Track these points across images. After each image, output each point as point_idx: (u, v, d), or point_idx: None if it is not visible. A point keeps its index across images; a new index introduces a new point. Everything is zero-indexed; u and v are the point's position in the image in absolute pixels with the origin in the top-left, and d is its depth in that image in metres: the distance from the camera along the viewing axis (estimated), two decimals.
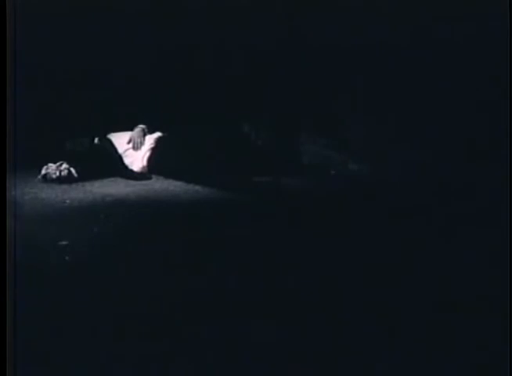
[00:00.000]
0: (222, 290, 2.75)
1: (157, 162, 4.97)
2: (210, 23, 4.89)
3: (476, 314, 2.49)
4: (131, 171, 4.99)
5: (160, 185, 4.70)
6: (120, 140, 5.11)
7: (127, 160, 5.04)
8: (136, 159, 5.03)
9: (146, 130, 5.10)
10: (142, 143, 5.05)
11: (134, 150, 5.04)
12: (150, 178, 4.85)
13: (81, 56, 5.15)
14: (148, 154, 5.01)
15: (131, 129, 5.12)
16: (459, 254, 3.08)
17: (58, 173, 4.74)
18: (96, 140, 5.05)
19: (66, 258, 3.13)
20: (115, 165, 5.01)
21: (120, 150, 5.07)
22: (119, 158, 5.04)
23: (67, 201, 4.24)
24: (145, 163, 5.01)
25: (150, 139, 5.08)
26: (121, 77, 5.24)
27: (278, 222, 3.67)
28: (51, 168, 4.77)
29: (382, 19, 4.64)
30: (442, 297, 2.66)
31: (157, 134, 5.11)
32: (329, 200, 4.12)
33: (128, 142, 5.06)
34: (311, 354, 2.23)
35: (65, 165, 4.78)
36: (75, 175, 4.78)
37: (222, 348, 2.27)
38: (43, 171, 4.78)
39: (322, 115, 5.14)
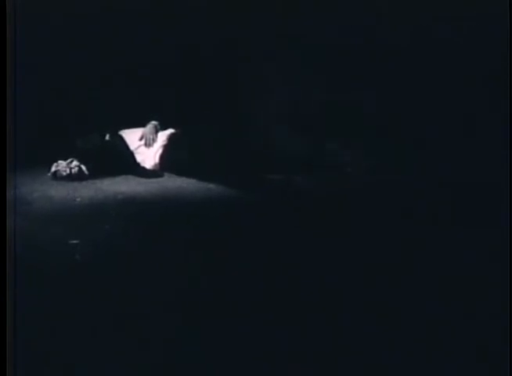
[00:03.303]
0: (235, 289, 2.74)
1: (170, 159, 4.88)
2: (222, 21, 4.88)
3: (476, 314, 2.49)
4: (143, 168, 4.91)
5: (172, 183, 4.64)
6: (132, 137, 5.02)
7: (139, 158, 4.95)
8: (148, 156, 4.94)
9: (159, 127, 5.02)
10: (154, 140, 4.96)
11: (146, 146, 4.95)
12: (162, 176, 4.77)
13: (80, 56, 5.15)
14: (160, 151, 4.92)
15: (143, 126, 5.04)
16: (459, 255, 3.08)
17: (68, 170, 4.67)
18: (107, 137, 4.96)
19: (77, 257, 3.09)
20: (126, 162, 4.92)
21: (132, 147, 4.98)
22: (131, 155, 4.96)
23: (78, 199, 4.20)
24: (157, 160, 4.91)
25: (163, 136, 4.99)
26: (122, 75, 5.23)
27: (289, 221, 3.64)
28: (61, 166, 4.70)
29: (382, 19, 4.64)
30: (442, 297, 2.66)
31: (170, 130, 5.03)
32: (334, 200, 4.11)
33: (140, 139, 4.97)
34: (311, 354, 2.23)
35: (75, 162, 4.71)
36: (86, 172, 4.71)
37: (236, 347, 2.27)
38: (53, 169, 4.71)
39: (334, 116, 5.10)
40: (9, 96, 3.10)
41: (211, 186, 4.48)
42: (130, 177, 4.77)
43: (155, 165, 4.92)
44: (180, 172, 4.76)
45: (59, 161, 4.71)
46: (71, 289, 2.74)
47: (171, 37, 4.98)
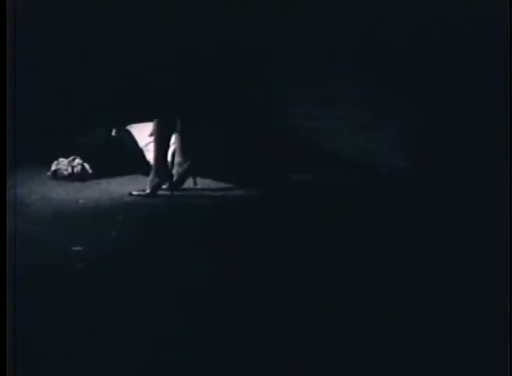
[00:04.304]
0: (236, 289, 2.74)
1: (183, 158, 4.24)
2: (222, 21, 4.86)
3: (476, 314, 2.50)
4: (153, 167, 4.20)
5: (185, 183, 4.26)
6: (142, 132, 4.47)
7: (148, 156, 4.34)
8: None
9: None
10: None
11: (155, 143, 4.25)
12: (172, 177, 4.17)
13: (80, 56, 5.15)
14: (172, 149, 4.28)
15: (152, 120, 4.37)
16: (459, 255, 3.08)
17: (70, 169, 4.28)
18: (114, 132, 4.53)
19: (79, 265, 2.88)
20: (135, 161, 4.41)
21: (141, 144, 4.45)
22: (139, 153, 4.43)
23: (81, 201, 3.88)
24: (169, 158, 4.25)
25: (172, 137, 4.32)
26: (122, 75, 5.21)
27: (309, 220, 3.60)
28: (62, 164, 4.32)
29: (382, 19, 4.64)
30: (442, 297, 2.66)
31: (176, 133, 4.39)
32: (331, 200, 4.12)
33: (150, 135, 4.31)
34: (311, 354, 2.23)
35: (78, 160, 4.33)
36: (89, 171, 4.32)
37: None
38: (53, 167, 4.31)
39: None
40: (9, 96, 3.10)
41: (229, 185, 4.28)
42: (139, 177, 4.33)
43: (167, 164, 4.27)
44: (193, 172, 4.30)
45: (60, 159, 4.35)
46: (74, 292, 2.65)
47: (171, 37, 4.98)
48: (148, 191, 4.06)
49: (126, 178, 4.38)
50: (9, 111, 3.04)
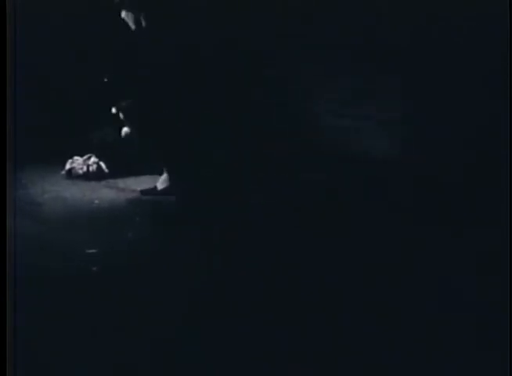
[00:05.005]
0: (236, 289, 2.73)
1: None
2: (222, 21, 4.86)
3: (476, 314, 2.49)
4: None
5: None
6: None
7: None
8: None
9: None
10: None
11: None
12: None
13: (80, 56, 5.15)
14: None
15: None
16: (459, 255, 3.08)
17: (85, 168, 4.13)
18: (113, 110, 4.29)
19: (94, 268, 2.80)
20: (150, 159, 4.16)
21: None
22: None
23: (96, 201, 3.76)
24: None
25: None
26: (122, 75, 5.20)
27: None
28: (77, 162, 4.17)
29: (382, 19, 4.64)
30: (442, 297, 2.66)
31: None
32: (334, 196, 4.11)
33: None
34: (311, 354, 2.23)
35: (93, 159, 4.19)
36: (105, 170, 4.17)
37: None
38: (67, 166, 4.16)
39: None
40: (9, 96, 3.10)
41: (247, 185, 4.12)
42: (157, 176, 4.08)
43: None
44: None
45: (75, 157, 4.20)
46: (87, 295, 2.58)
47: (171, 37, 4.98)
48: (159, 189, 3.94)
49: (142, 178, 4.21)
50: (9, 111, 3.04)
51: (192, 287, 2.73)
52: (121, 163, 4.24)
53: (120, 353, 2.22)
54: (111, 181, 4.16)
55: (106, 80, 4.31)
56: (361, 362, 2.18)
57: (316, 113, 4.99)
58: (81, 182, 4.11)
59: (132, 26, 4.15)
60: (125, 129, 4.23)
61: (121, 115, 4.28)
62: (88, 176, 4.14)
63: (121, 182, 4.16)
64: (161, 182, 4.00)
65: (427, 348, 2.25)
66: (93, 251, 2.98)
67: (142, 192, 3.95)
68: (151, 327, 2.40)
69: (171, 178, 4.00)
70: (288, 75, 5.02)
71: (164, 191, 3.94)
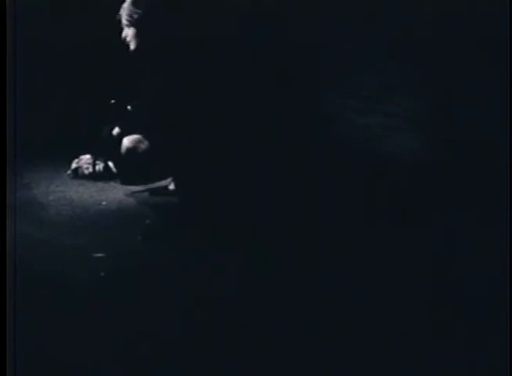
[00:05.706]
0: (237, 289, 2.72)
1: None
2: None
3: (476, 314, 2.50)
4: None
5: None
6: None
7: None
8: None
9: None
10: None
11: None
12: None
13: (80, 56, 5.15)
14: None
15: None
16: (458, 254, 3.08)
17: (92, 168, 3.97)
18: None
19: (102, 274, 2.72)
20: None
21: None
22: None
23: (103, 203, 3.64)
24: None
25: None
26: (122, 75, 5.20)
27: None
28: (83, 161, 4.01)
29: (382, 19, 4.64)
30: (442, 297, 2.66)
31: None
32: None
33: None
34: (311, 354, 2.23)
35: (101, 158, 4.00)
36: (113, 170, 3.96)
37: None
38: (73, 165, 4.00)
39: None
40: (9, 95, 3.10)
41: (262, 186, 3.78)
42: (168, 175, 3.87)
43: None
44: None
45: (81, 156, 4.03)
46: (99, 312, 2.49)
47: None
48: (170, 189, 3.85)
49: (154, 177, 3.94)
50: (10, 111, 3.03)
51: (204, 292, 2.68)
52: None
53: (130, 358, 2.20)
54: (119, 181, 3.94)
55: (112, 101, 4.11)
56: (361, 362, 2.19)
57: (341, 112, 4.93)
58: (87, 183, 3.95)
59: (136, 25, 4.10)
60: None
61: (129, 115, 4.17)
62: (95, 176, 3.99)
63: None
64: (172, 181, 3.89)
65: (427, 348, 2.25)
66: (100, 255, 2.90)
67: (152, 192, 3.86)
68: (161, 331, 2.37)
69: (179, 180, 3.90)
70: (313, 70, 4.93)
71: (175, 191, 3.81)
